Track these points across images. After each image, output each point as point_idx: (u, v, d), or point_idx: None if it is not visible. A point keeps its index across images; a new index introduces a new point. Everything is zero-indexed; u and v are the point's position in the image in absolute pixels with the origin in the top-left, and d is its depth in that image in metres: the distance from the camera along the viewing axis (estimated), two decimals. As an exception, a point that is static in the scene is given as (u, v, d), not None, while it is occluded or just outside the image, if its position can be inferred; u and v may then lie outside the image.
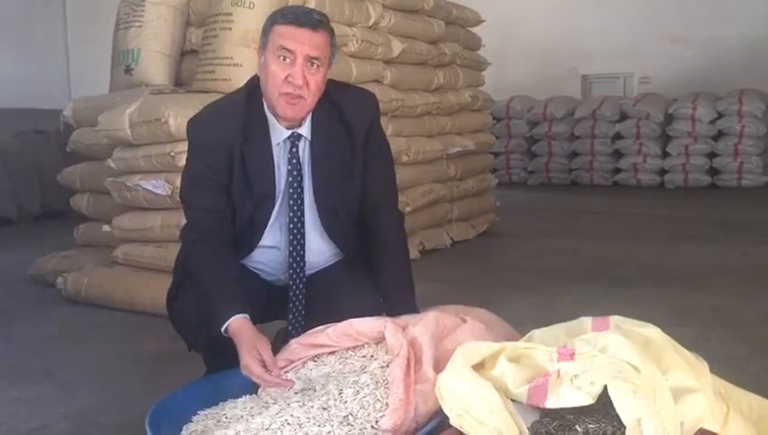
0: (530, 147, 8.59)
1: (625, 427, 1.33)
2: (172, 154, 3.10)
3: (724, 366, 1.72)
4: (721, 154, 7.56)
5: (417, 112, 4.50)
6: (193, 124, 2.00)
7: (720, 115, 7.57)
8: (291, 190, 1.96)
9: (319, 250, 2.04)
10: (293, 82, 1.84)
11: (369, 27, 4.06)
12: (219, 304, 1.83)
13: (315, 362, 1.81)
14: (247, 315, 1.82)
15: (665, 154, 7.80)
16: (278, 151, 1.96)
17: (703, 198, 6.87)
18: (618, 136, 8.01)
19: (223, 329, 1.80)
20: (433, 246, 4.52)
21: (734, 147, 7.46)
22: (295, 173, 1.95)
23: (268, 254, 2.02)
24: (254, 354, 1.74)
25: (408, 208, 4.13)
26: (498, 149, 7.95)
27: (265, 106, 1.94)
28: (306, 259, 2.01)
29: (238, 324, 1.79)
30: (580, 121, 8.21)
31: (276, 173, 1.96)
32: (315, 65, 1.85)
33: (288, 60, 1.84)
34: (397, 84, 4.27)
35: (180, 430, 1.69)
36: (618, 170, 8.07)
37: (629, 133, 7.90)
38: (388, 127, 4.12)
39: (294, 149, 1.95)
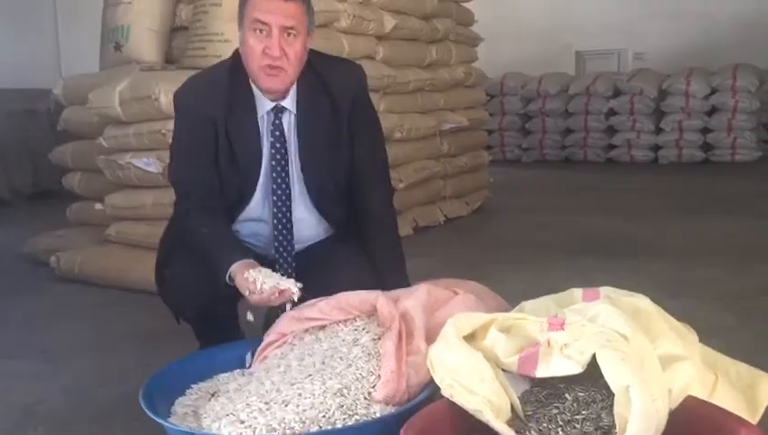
0: (524, 124, 8.57)
1: (614, 394, 1.34)
2: (163, 132, 3.09)
3: (713, 337, 1.73)
4: (714, 129, 7.56)
5: (410, 89, 4.48)
6: (178, 96, 2.01)
7: (714, 90, 7.56)
8: (274, 163, 1.96)
9: (308, 224, 2.05)
10: (271, 54, 1.84)
11: (361, 3, 4.03)
12: (220, 256, 1.85)
13: (307, 335, 1.82)
14: (249, 260, 1.83)
15: (658, 130, 7.80)
16: (262, 124, 1.96)
17: (696, 174, 6.89)
18: (611, 112, 8.00)
19: (227, 278, 1.81)
20: (426, 223, 4.52)
21: (727, 122, 7.47)
22: (278, 145, 1.96)
23: (256, 227, 2.03)
24: (252, 289, 1.75)
25: (401, 185, 4.13)
26: (492, 126, 7.94)
27: (250, 79, 1.94)
28: (295, 233, 2.02)
29: (238, 268, 1.80)
30: (573, 98, 8.19)
31: (261, 145, 1.96)
32: (292, 35, 1.85)
33: (264, 32, 1.84)
34: (389, 60, 4.25)
35: (173, 403, 1.71)
36: (611, 147, 8.07)
37: (623, 109, 7.89)
38: (380, 103, 4.11)
39: (278, 121, 1.96)
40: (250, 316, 1.89)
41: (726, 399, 1.51)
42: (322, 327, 1.82)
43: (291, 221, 2.01)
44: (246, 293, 1.76)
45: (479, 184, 5.31)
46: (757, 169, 6.98)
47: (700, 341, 1.62)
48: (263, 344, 1.83)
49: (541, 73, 8.53)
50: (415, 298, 1.77)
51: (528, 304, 1.69)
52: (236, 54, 1.98)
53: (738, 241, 3.90)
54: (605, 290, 1.64)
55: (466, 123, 5.02)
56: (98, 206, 3.60)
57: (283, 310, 1.83)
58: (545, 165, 8.22)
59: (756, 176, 6.53)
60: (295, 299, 1.76)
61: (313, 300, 1.84)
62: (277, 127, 1.97)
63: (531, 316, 1.56)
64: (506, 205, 5.40)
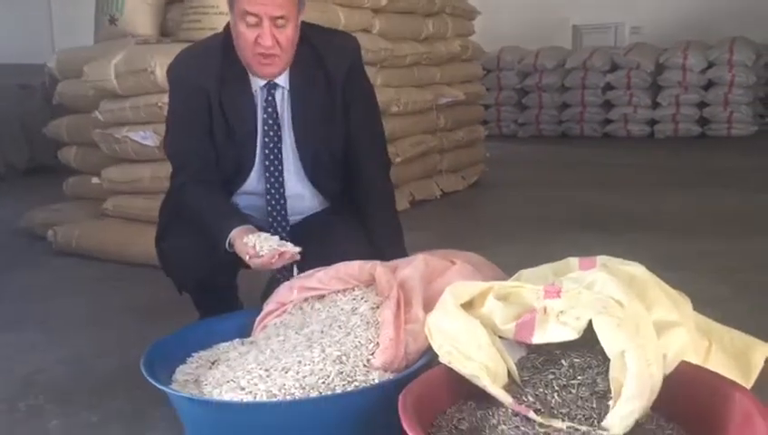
0: (520, 99, 8.55)
1: (609, 360, 1.36)
2: (159, 105, 3.08)
3: (708, 307, 1.75)
4: (711, 104, 7.56)
5: (407, 62, 4.46)
6: (171, 68, 2.00)
7: (711, 64, 7.54)
8: (266, 139, 1.96)
9: (303, 197, 2.06)
10: (263, 44, 1.83)
11: (357, -25, 4.01)
12: (218, 224, 1.86)
13: (306, 304, 1.83)
14: (248, 226, 1.84)
15: (655, 104, 7.79)
16: (256, 99, 1.96)
17: (692, 148, 6.89)
18: (608, 86, 7.98)
19: (226, 244, 1.81)
20: (423, 197, 4.53)
21: (724, 96, 7.46)
22: (271, 122, 1.96)
23: (254, 200, 2.04)
24: (251, 253, 1.75)
25: (397, 159, 4.13)
26: (488, 101, 7.92)
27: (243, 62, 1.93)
28: (291, 206, 2.03)
29: (237, 234, 1.81)
30: (570, 72, 8.16)
31: (257, 119, 1.96)
32: (282, 23, 1.83)
33: (254, 22, 1.82)
34: (385, 34, 4.22)
35: (174, 371, 1.72)
36: (608, 121, 8.06)
37: (620, 84, 7.87)
38: (377, 77, 4.10)
39: (270, 98, 1.95)
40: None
41: (720, 365, 1.53)
42: (321, 297, 1.83)
43: (284, 196, 2.02)
44: (246, 257, 1.77)
45: (475, 158, 5.31)
46: (753, 144, 6.99)
47: (696, 311, 1.64)
48: (262, 314, 1.84)
49: (537, 47, 8.49)
50: (413, 267, 1.78)
51: (525, 273, 1.71)
52: (229, 28, 1.96)
53: (734, 215, 3.91)
54: (601, 259, 1.66)
55: (463, 97, 5.00)
56: (94, 180, 3.60)
57: (287, 278, 1.85)
58: (542, 140, 8.21)
59: (752, 150, 6.54)
60: (297, 258, 1.76)
61: (312, 270, 1.85)
62: (270, 103, 1.97)
63: (528, 284, 1.57)
64: (503, 179, 5.41)
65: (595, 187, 4.96)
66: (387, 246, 1.97)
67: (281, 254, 1.74)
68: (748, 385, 1.55)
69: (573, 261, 1.69)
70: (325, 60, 1.98)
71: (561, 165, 6.33)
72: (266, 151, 1.97)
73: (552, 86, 8.28)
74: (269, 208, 2.01)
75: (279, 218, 2.02)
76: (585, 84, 8.07)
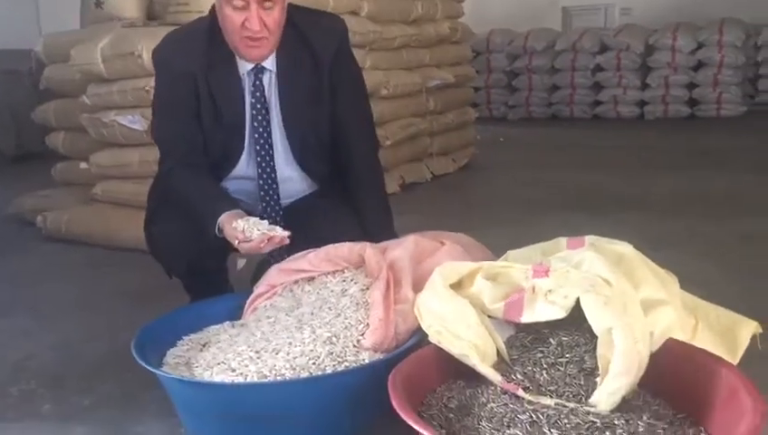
0: (510, 81, 8.53)
1: (597, 338, 1.37)
2: (147, 88, 3.06)
3: (695, 286, 1.75)
4: (700, 85, 7.56)
5: (396, 45, 4.44)
6: (156, 52, 1.99)
7: (700, 45, 7.54)
8: (255, 123, 1.96)
9: (293, 180, 2.05)
10: (251, 28, 1.82)
11: (345, -44, 3.98)
12: (207, 209, 1.85)
13: (296, 287, 1.84)
14: (237, 210, 1.83)
15: (644, 86, 7.79)
16: (243, 83, 1.95)
17: (682, 129, 6.90)
18: (598, 68, 7.97)
19: (216, 229, 1.81)
20: (413, 180, 4.53)
21: (713, 77, 7.46)
22: (259, 106, 1.95)
23: (244, 184, 2.04)
24: (240, 238, 1.75)
25: (387, 142, 4.13)
26: (478, 84, 7.89)
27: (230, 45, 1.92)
28: (281, 189, 2.02)
29: (226, 219, 1.80)
30: (560, 54, 8.14)
31: (245, 103, 1.95)
32: (269, 5, 1.82)
33: (241, 5, 1.81)
34: (374, 16, 4.20)
35: (165, 354, 1.73)
36: (598, 103, 8.06)
37: (610, 65, 7.86)
38: (366, 60, 4.08)
39: (258, 82, 1.95)
40: (241, 263, 1.90)
41: (706, 342, 1.55)
42: (311, 279, 1.84)
43: (276, 180, 2.02)
44: (236, 242, 1.76)
45: (466, 141, 5.31)
46: (742, 124, 7.01)
47: (683, 290, 1.65)
48: (252, 296, 1.85)
49: (527, 29, 8.46)
50: (402, 248, 1.79)
51: (514, 253, 1.72)
52: (215, 11, 1.95)
53: (722, 195, 3.93)
54: (590, 238, 1.66)
55: (452, 80, 4.99)
56: (83, 165, 3.58)
57: (277, 261, 1.85)
58: (532, 122, 8.20)
59: (741, 131, 6.56)
60: (287, 242, 1.76)
61: (302, 252, 1.86)
62: (258, 88, 1.96)
63: (516, 264, 1.58)
64: (493, 162, 5.41)
65: (585, 168, 4.97)
66: (376, 227, 1.98)
67: (270, 238, 1.74)
68: (734, 362, 1.57)
69: (562, 240, 1.70)
70: (312, 42, 1.97)
71: (552, 147, 6.34)
72: (256, 136, 1.96)
73: (541, 68, 8.26)
74: (261, 193, 2.00)
75: (272, 203, 2.02)
76: (575, 66, 8.05)
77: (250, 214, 1.92)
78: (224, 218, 1.80)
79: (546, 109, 8.36)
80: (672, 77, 7.59)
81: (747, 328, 1.64)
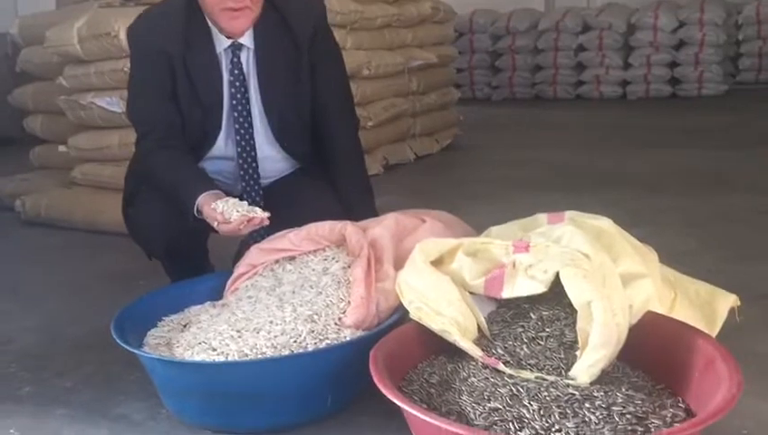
0: (493, 62, 8.51)
1: (576, 312, 1.38)
2: (125, 70, 3.01)
3: (675, 260, 1.77)
4: (682, 64, 7.58)
5: (377, 25, 4.41)
6: (131, 31, 1.96)
7: (681, 24, 7.55)
8: (234, 102, 1.94)
9: (273, 159, 2.04)
10: None
11: (325, -65, 3.93)
12: (185, 190, 1.83)
13: (277, 266, 1.83)
14: (216, 191, 1.81)
15: (627, 65, 7.80)
16: (221, 61, 1.93)
17: (664, 108, 6.93)
18: (581, 48, 7.97)
19: (195, 211, 1.79)
20: (396, 161, 4.52)
21: (694, 56, 7.48)
22: (237, 84, 1.94)
23: (223, 165, 2.02)
24: (219, 219, 1.73)
25: (369, 123, 4.11)
26: (461, 64, 7.87)
27: (207, 18, 1.89)
28: (261, 168, 2.01)
29: (205, 200, 1.78)
30: (543, 34, 8.13)
31: (222, 82, 1.93)
32: None
33: None
34: (356, -5, 4.17)
35: (146, 335, 1.72)
36: (580, 83, 8.07)
37: (592, 45, 7.86)
38: (347, 40, 4.05)
39: (236, 59, 1.93)
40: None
41: (685, 315, 1.56)
42: (292, 258, 1.83)
43: (255, 159, 2.00)
44: (215, 224, 1.75)
45: (449, 121, 5.29)
46: (723, 103, 7.04)
47: (662, 264, 1.66)
48: (233, 276, 1.84)
49: (510, 10, 8.44)
50: (383, 226, 1.79)
51: (495, 230, 1.72)
52: None
53: (702, 172, 3.96)
54: (569, 213, 1.67)
55: (435, 60, 4.97)
56: (61, 148, 3.54)
57: (257, 241, 1.84)
58: (515, 103, 8.20)
59: (722, 109, 6.59)
60: (266, 223, 1.75)
61: (283, 232, 1.85)
62: (236, 65, 1.94)
63: (497, 240, 1.59)
64: (476, 142, 5.40)
65: (568, 148, 4.97)
66: (357, 206, 1.97)
67: (249, 219, 1.73)
68: (713, 334, 1.58)
69: (542, 216, 1.70)
70: (289, 21, 1.95)
71: (535, 127, 6.34)
72: (235, 114, 1.95)
73: (524, 48, 8.24)
74: (241, 173, 1.99)
75: (252, 182, 2.00)
76: (558, 46, 8.05)
77: (229, 195, 1.91)
78: (202, 199, 1.78)
79: (529, 89, 8.35)
80: (654, 56, 7.60)
81: (726, 301, 1.65)
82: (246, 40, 1.92)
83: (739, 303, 1.64)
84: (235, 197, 2.00)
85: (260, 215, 1.73)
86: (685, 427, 1.15)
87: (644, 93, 7.70)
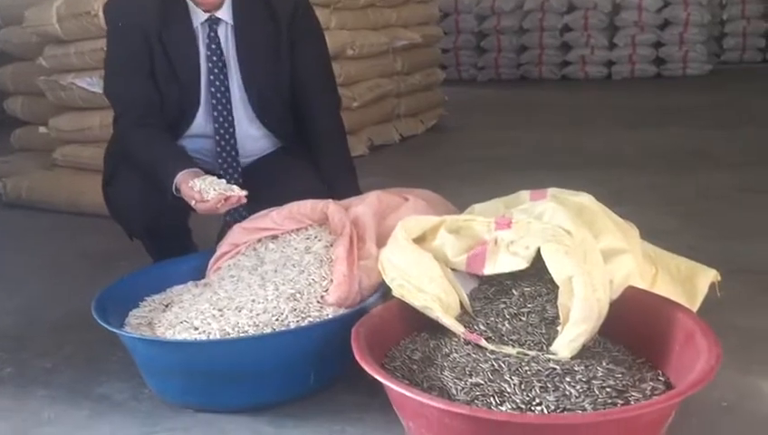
0: (479, 42, 8.48)
1: (558, 288, 1.38)
2: (105, 49, 2.97)
3: (657, 237, 1.77)
4: (667, 43, 7.59)
5: (361, 4, 4.37)
6: (108, 7, 1.94)
7: (666, 3, 7.56)
8: (212, 77, 1.92)
9: (253, 137, 2.02)
10: None
11: None
12: (163, 169, 1.81)
13: (260, 245, 1.82)
14: (194, 169, 1.80)
15: (612, 45, 7.81)
16: (197, 36, 1.90)
17: (649, 88, 6.94)
18: (566, 28, 7.96)
19: (173, 189, 1.78)
20: (381, 142, 4.50)
21: (679, 36, 7.49)
22: (215, 59, 1.92)
23: (203, 143, 2.00)
24: (197, 198, 1.72)
25: (354, 104, 4.09)
26: (447, 45, 7.84)
27: None
28: (241, 147, 1.99)
29: (183, 178, 1.77)
30: (528, 14, 8.11)
31: (199, 58, 1.91)
32: None
33: None
34: (339, -26, 4.13)
35: (127, 315, 1.71)
36: (566, 63, 8.07)
37: (577, 25, 7.85)
38: (331, 19, 4.01)
39: (213, 34, 1.91)
40: None
41: (666, 290, 1.57)
42: (275, 237, 1.82)
43: (234, 136, 1.99)
44: (192, 202, 1.74)
45: (434, 102, 5.28)
46: (707, 82, 7.06)
47: (643, 240, 1.66)
48: (215, 256, 1.83)
49: (495, -11, 8.39)
50: (366, 204, 1.78)
51: (477, 207, 1.72)
52: None
53: (685, 150, 3.97)
54: (552, 190, 1.67)
55: (419, 40, 4.94)
56: (42, 129, 3.50)
57: (235, 220, 1.83)
58: (500, 84, 8.19)
59: (706, 89, 6.61)
60: (244, 201, 1.74)
61: (265, 211, 1.84)
62: (213, 39, 1.92)
63: (479, 217, 1.59)
64: (462, 123, 5.39)
65: (553, 128, 4.97)
66: (340, 184, 1.96)
67: (227, 198, 1.71)
68: (693, 309, 1.59)
69: (524, 193, 1.71)
70: None
71: (520, 108, 6.33)
72: (212, 90, 1.93)
73: (510, 29, 8.22)
74: (218, 150, 1.97)
75: (229, 160, 1.99)
76: (543, 26, 8.03)
77: (211, 174, 1.89)
78: (180, 178, 1.76)
79: (515, 70, 8.34)
80: (639, 36, 7.61)
81: (706, 276, 1.66)
82: (224, 14, 1.90)
83: (719, 278, 1.65)
84: (216, 175, 1.99)
85: (237, 193, 1.71)
86: (663, 399, 1.16)
87: (629, 73, 7.71)
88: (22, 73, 3.67)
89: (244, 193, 1.72)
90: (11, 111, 3.83)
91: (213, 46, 1.91)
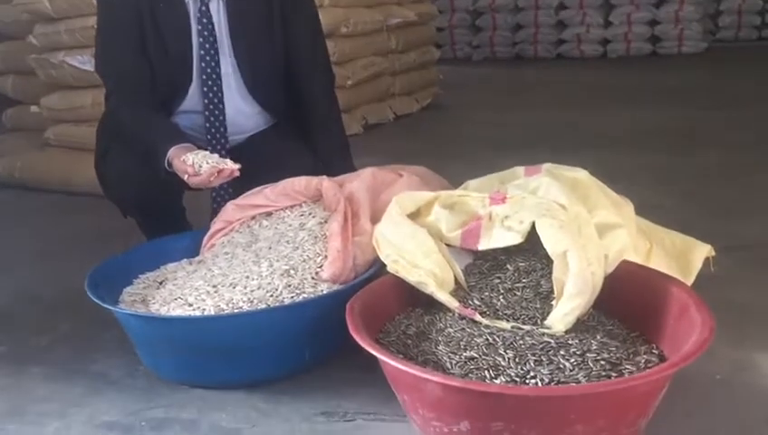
0: (474, 21, 8.44)
1: (552, 263, 1.38)
2: (96, 27, 2.95)
3: (651, 214, 1.77)
4: (662, 21, 7.56)
5: (355, -19, 4.34)
6: None
7: (662, -19, 7.53)
8: (203, 52, 1.90)
9: (246, 114, 2.01)
10: None
11: None
12: (155, 144, 1.80)
13: (254, 222, 1.82)
14: (186, 144, 1.79)
15: (607, 24, 7.77)
16: (189, 11, 1.88)
17: (644, 66, 6.92)
18: (561, 6, 7.92)
19: (166, 165, 1.77)
20: (376, 121, 4.49)
21: (674, 14, 7.46)
22: (206, 33, 1.90)
23: (196, 118, 1.99)
24: (190, 171, 1.71)
25: (349, 82, 4.06)
26: (442, 24, 7.79)
27: None
28: (235, 123, 1.98)
29: (175, 153, 1.76)
30: (523, -8, 8.07)
31: (191, 33, 1.89)
32: None
33: None
34: (333, -49, 4.09)
35: (121, 292, 1.70)
36: (561, 42, 8.03)
37: (573, 3, 7.81)
38: (325, -3, 3.98)
39: (204, 8, 1.89)
40: None
41: (660, 265, 1.57)
42: (269, 214, 1.81)
43: (223, 113, 1.97)
44: (185, 176, 1.73)
45: (428, 81, 5.25)
46: (702, 61, 7.04)
47: (638, 216, 1.66)
48: (209, 233, 1.83)
49: (490, -33, 8.33)
50: (360, 181, 1.77)
51: (472, 183, 1.71)
52: None
53: (681, 129, 3.97)
54: (546, 166, 1.67)
55: (414, 17, 4.90)
56: (34, 108, 3.47)
57: (223, 198, 1.82)
58: (496, 62, 8.15)
59: (701, 67, 6.59)
60: (236, 174, 1.73)
61: (259, 187, 1.83)
62: (204, 14, 1.90)
63: (473, 193, 1.58)
64: (457, 102, 5.37)
65: (548, 107, 4.96)
66: (334, 160, 1.95)
67: (219, 171, 1.70)
68: (688, 284, 1.60)
69: (519, 169, 1.70)
70: None
71: (516, 87, 6.31)
72: (203, 65, 1.91)
73: (505, 7, 8.18)
74: (207, 125, 1.96)
75: (218, 136, 1.97)
76: (538, 5, 7.99)
77: (201, 148, 1.88)
78: (173, 153, 1.75)
79: (510, 48, 8.30)
80: (634, 14, 7.57)
81: (700, 251, 1.66)
82: None
83: (714, 253, 1.65)
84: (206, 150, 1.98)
85: (230, 166, 1.70)
86: (656, 371, 1.16)
87: (624, 52, 7.69)
88: (12, 52, 3.64)
89: (237, 166, 1.71)
90: (2, 90, 3.80)
91: (204, 20, 1.89)
